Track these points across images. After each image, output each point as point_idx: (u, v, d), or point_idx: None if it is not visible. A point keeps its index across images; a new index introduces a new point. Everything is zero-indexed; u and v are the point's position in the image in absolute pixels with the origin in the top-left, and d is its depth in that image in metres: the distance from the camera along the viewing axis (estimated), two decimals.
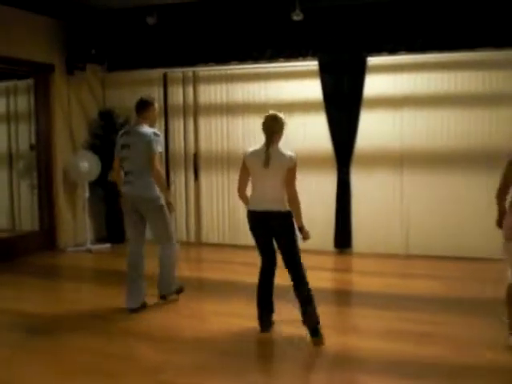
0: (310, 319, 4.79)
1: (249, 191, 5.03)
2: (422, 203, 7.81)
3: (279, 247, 4.92)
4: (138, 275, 5.64)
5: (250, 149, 4.96)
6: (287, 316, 5.18)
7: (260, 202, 4.84)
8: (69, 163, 8.54)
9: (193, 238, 9.08)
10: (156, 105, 5.79)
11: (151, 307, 5.72)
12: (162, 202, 5.58)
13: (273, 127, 4.83)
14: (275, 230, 4.84)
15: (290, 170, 4.75)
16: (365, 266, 7.50)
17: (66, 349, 4.74)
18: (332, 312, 5.79)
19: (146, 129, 5.56)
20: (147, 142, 5.43)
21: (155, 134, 5.53)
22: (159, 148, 5.50)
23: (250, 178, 4.96)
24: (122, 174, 5.71)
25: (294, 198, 4.78)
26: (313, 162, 7.94)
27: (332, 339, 4.87)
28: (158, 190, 5.53)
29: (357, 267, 7.70)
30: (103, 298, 6.17)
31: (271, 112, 4.96)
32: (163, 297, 5.86)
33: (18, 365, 4.44)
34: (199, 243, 9.01)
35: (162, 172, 5.70)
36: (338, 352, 4.66)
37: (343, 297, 6.51)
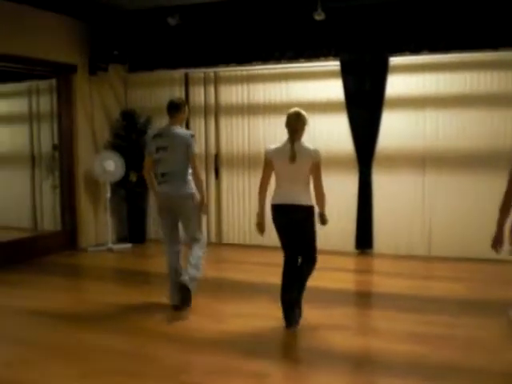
0: (296, 313, 5.08)
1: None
2: (444, 204, 7.74)
3: (300, 239, 5.07)
4: (179, 274, 5.68)
5: (272, 146, 5.11)
6: (312, 319, 5.17)
7: (285, 197, 4.99)
8: (95, 163, 8.57)
9: (213, 239, 9.08)
10: (186, 107, 5.91)
11: (169, 308, 5.71)
12: (197, 203, 5.67)
13: (296, 124, 4.98)
14: (298, 223, 5.00)
15: (316, 163, 4.96)
16: (386, 268, 7.44)
17: (88, 349, 4.76)
18: (353, 314, 5.76)
19: (182, 130, 5.74)
20: (186, 143, 5.55)
21: (192, 135, 5.69)
22: (196, 149, 5.69)
23: (274, 174, 5.08)
24: (152, 174, 5.81)
25: (319, 190, 5.03)
26: (334, 162, 7.90)
27: (353, 341, 4.86)
28: (194, 189, 5.63)
29: (378, 268, 7.64)
30: (124, 297, 6.19)
31: (294, 109, 5.10)
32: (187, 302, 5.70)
33: (41, 364, 4.46)
34: (220, 243, 9.01)
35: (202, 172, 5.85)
36: (360, 354, 4.64)
37: (364, 298, 6.46)
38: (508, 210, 4.33)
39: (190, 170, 5.63)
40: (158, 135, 5.71)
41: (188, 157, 5.56)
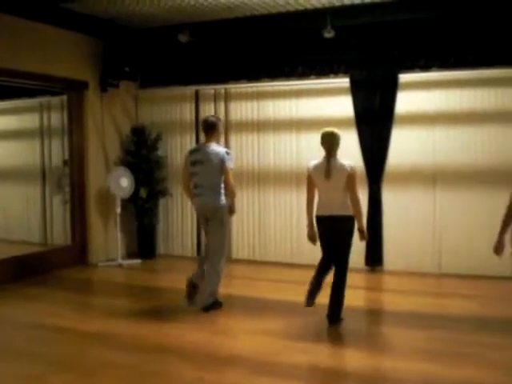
0: (337, 318, 5.53)
1: None
2: (454, 221, 7.71)
3: (336, 246, 5.52)
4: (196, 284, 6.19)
5: (313, 162, 5.58)
6: (323, 336, 5.15)
7: (326, 208, 5.47)
8: (109, 179, 8.62)
9: None
10: (221, 124, 6.42)
11: (181, 325, 5.74)
12: (227, 215, 6.21)
13: (330, 142, 5.48)
14: (338, 232, 5.48)
15: (350, 177, 5.41)
16: (397, 285, 7.42)
17: (98, 364, 4.75)
18: (364, 332, 5.74)
19: (218, 147, 6.15)
20: (221, 159, 5.99)
21: (227, 152, 6.14)
22: (231, 164, 6.12)
23: (316, 189, 5.57)
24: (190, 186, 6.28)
25: (356, 203, 5.45)
26: None
27: (365, 360, 4.83)
28: (224, 201, 6.08)
29: (388, 286, 7.62)
30: (134, 313, 6.19)
31: (328, 129, 5.58)
32: (205, 308, 6.11)
33: (50, 380, 4.45)
34: (229, 259, 8.96)
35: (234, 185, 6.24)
36: (372, 373, 4.60)
37: (375, 316, 6.43)
38: (510, 221, 4.91)
39: (222, 185, 6.06)
40: (196, 150, 6.24)
41: (222, 172, 5.99)
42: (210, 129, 6.20)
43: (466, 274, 7.52)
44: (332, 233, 5.50)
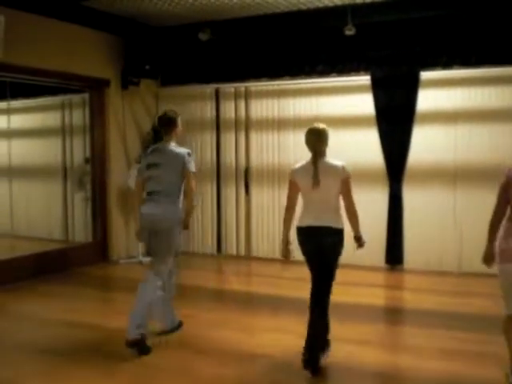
0: (320, 336, 4.61)
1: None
2: (476, 219, 7.62)
3: (322, 261, 4.58)
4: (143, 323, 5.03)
5: (297, 165, 4.73)
6: (341, 334, 5.14)
7: (313, 219, 4.55)
8: (130, 176, 8.59)
9: (243, 252, 9.10)
10: (179, 119, 5.36)
11: (201, 322, 5.75)
12: (179, 231, 5.18)
13: (315, 142, 4.62)
14: (325, 246, 4.53)
15: (344, 180, 4.51)
16: (417, 284, 7.38)
17: (118, 361, 4.78)
18: (383, 330, 5.72)
19: (179, 148, 5.21)
20: (182, 161, 5.08)
21: (189, 154, 5.17)
22: (193, 168, 5.17)
23: (300, 195, 4.69)
24: (144, 194, 5.28)
25: (352, 209, 4.58)
26: (364, 176, 7.87)
27: (383, 358, 4.83)
28: (180, 214, 5.13)
29: (408, 284, 7.59)
30: None
31: (311, 127, 4.72)
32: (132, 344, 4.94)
33: (69, 376, 4.49)
34: (249, 257, 9.02)
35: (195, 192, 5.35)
36: (390, 371, 4.60)
37: (394, 314, 6.41)
38: (498, 225, 4.31)
39: (181, 193, 5.16)
40: (153, 151, 5.27)
41: (182, 177, 5.09)
42: (167, 125, 5.23)
43: (487, 272, 7.39)
44: (321, 247, 4.53)
